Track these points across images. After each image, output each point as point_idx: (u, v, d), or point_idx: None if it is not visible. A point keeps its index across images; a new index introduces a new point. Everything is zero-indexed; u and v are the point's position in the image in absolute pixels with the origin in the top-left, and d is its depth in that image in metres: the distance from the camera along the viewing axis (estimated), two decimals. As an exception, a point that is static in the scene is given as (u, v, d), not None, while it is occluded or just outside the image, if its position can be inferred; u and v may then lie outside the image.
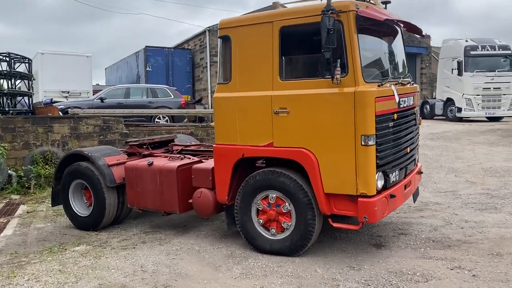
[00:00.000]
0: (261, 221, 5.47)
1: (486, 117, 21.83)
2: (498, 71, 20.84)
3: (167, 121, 16.79)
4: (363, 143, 4.69)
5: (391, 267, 4.90)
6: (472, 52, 21.08)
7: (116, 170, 6.87)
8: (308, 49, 5.29)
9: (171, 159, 6.69)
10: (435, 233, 6.05)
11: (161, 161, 6.60)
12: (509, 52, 21.37)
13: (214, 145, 5.78)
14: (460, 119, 21.63)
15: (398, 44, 5.94)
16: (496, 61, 21.23)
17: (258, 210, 5.52)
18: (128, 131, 12.44)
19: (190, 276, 4.95)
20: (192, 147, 7.86)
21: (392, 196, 5.02)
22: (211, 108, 21.45)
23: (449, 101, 22.30)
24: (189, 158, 6.72)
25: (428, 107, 24.32)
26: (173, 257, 5.56)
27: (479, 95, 20.85)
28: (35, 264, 5.51)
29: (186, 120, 17.76)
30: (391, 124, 5.02)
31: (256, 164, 5.58)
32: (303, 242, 5.21)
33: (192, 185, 6.23)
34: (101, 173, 6.79)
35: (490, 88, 20.80)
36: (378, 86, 4.87)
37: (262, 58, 5.27)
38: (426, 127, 19.21)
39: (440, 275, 4.63)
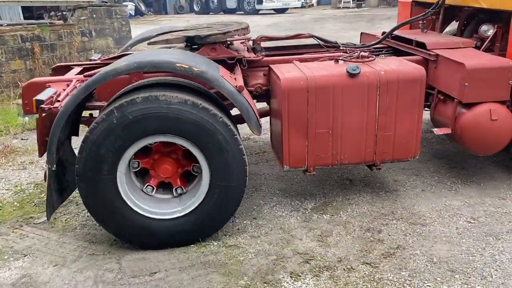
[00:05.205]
0: None
1: (273, 10, 22.10)
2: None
3: None
4: None
5: None
6: None
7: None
8: None
9: (341, 60, 3.34)
10: None
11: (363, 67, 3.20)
12: None
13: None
14: (257, 11, 21.14)
15: None
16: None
17: None
18: None
19: None
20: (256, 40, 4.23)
21: None
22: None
23: (246, -8, 21.29)
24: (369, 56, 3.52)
25: (215, 0, 22.73)
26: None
27: None
28: None
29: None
30: None
31: None
32: None
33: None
34: (244, 111, 2.85)
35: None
36: None
37: None
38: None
39: None
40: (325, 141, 3.15)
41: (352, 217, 3.31)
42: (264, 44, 4.05)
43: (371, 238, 3.04)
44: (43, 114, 2.77)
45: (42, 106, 2.77)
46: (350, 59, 3.35)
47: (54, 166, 2.73)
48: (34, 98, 2.82)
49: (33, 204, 3.86)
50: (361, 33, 5.00)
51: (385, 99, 3.10)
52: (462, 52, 3.50)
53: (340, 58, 3.37)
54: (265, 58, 3.54)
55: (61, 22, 8.89)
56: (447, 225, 3.13)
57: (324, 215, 3.37)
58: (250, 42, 4.06)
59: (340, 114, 3.10)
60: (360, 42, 4.77)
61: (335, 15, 18.06)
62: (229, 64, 3.41)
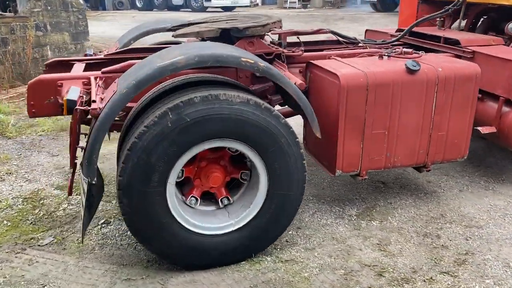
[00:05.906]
0: None
1: (221, 7, 21.75)
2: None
3: None
4: None
5: None
6: None
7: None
8: None
9: (385, 56, 3.16)
10: None
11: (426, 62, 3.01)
12: None
13: None
14: (205, 9, 20.68)
15: None
16: None
17: None
18: None
19: None
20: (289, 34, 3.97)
21: None
22: None
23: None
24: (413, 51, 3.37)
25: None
26: None
27: None
28: None
29: None
30: None
31: None
32: None
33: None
34: (308, 111, 2.58)
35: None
36: None
37: None
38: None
39: None
40: (380, 142, 2.94)
41: (403, 223, 3.13)
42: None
43: (433, 244, 2.87)
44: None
45: (77, 107, 2.30)
46: (395, 55, 3.17)
47: (95, 179, 2.27)
48: (65, 99, 2.34)
49: (29, 222, 3.31)
50: (366, 30, 4.86)
51: (442, 97, 2.95)
52: (498, 49, 3.45)
53: (384, 54, 3.18)
54: (305, 54, 3.26)
55: (11, 14, 7.99)
56: (503, 227, 3.05)
57: (372, 221, 3.16)
58: (267, 38, 3.77)
59: (397, 113, 2.90)
60: (365, 39, 4.63)
61: (288, 15, 18.08)
62: (266, 60, 3.10)
